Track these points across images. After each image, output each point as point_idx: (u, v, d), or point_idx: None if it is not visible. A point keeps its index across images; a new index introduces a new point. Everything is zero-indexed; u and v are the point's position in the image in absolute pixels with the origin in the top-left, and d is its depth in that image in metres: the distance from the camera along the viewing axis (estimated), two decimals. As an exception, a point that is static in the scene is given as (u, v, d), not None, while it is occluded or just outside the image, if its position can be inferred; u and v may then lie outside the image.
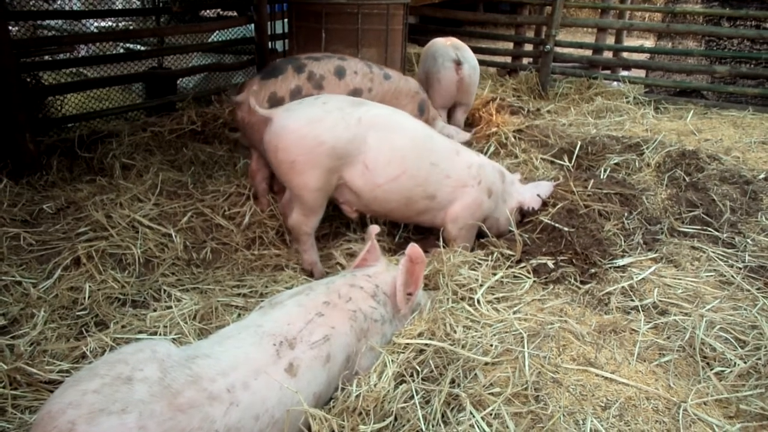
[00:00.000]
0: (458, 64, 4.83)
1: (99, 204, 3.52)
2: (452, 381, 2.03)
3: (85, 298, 2.79)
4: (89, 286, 2.85)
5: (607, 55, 8.33)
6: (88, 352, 2.41)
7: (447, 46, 4.98)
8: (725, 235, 3.31)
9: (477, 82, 5.14)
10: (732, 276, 2.91)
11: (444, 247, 3.12)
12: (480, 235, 3.34)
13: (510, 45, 8.60)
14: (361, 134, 2.86)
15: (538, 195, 3.39)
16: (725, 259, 3.10)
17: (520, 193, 3.41)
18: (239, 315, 2.70)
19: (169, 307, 2.74)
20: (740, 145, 5.01)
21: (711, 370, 2.22)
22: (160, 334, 2.53)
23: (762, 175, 4.15)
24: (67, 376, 2.18)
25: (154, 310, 2.75)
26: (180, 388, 1.60)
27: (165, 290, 2.92)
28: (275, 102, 3.34)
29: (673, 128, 5.56)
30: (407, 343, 2.18)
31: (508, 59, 8.35)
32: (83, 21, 6.31)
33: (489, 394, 1.97)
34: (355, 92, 3.62)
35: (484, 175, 3.21)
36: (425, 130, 3.13)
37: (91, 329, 2.61)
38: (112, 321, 2.64)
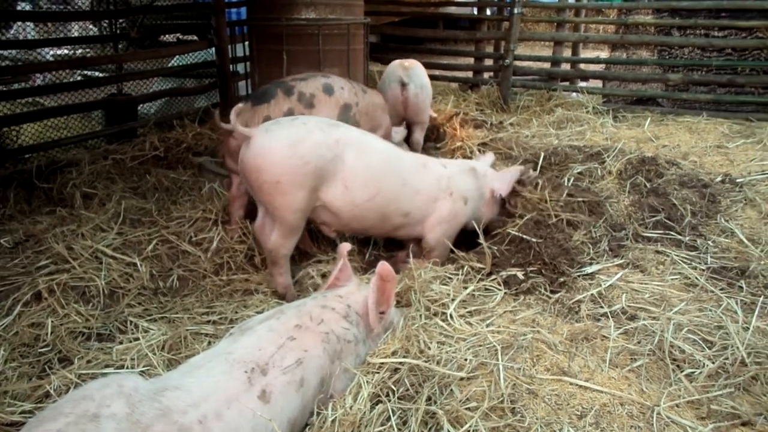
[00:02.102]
0: (403, 85, 4.90)
1: (60, 236, 3.42)
2: (428, 398, 2.01)
3: (47, 334, 2.69)
4: (51, 322, 2.75)
5: (565, 67, 8.52)
6: (51, 391, 2.32)
7: (396, 67, 5.07)
8: (687, 238, 3.39)
9: (425, 101, 5.14)
10: (696, 278, 2.98)
11: (414, 262, 3.12)
12: (451, 249, 3.35)
13: (471, 60, 8.73)
14: (340, 155, 2.89)
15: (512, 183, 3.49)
16: (689, 261, 3.16)
17: (492, 182, 3.50)
18: (209, 343, 2.65)
19: (136, 339, 2.67)
20: (696, 150, 5.16)
21: (681, 372, 2.26)
22: (127, 368, 2.46)
23: (719, 178, 4.27)
24: (30, 417, 2.09)
25: (121, 343, 2.67)
26: (149, 423, 1.55)
27: (131, 321, 2.84)
28: None
29: (632, 136, 5.70)
30: (382, 363, 2.16)
31: (470, 74, 8.49)
32: (39, 49, 6.19)
33: (466, 409, 1.96)
34: (346, 107, 3.67)
35: (455, 185, 3.28)
36: (394, 150, 3.19)
37: (54, 366, 2.52)
38: (77, 356, 2.55)
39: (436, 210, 3.22)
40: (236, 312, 2.96)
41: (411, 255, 3.19)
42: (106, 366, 2.49)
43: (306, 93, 3.51)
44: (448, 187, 3.23)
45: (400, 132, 4.55)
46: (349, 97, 3.72)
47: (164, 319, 2.90)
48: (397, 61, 5.22)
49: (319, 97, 3.55)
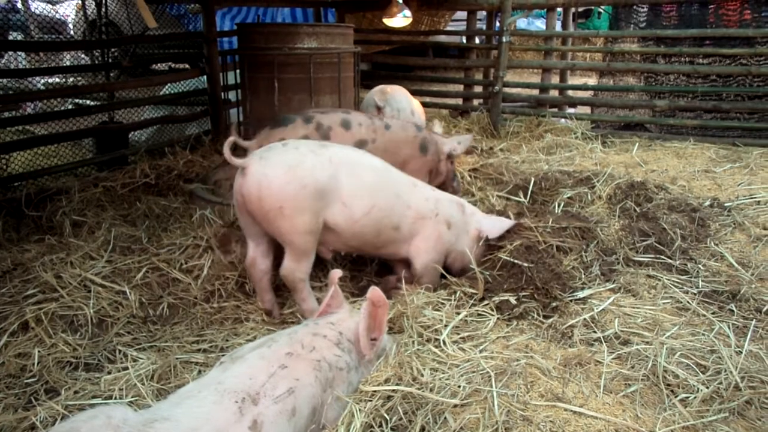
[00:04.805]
0: (378, 108, 5.02)
1: (48, 264, 3.39)
2: (422, 428, 1.99)
3: (34, 364, 2.65)
4: (38, 351, 2.71)
5: (554, 93, 8.64)
6: (38, 423, 2.27)
7: (375, 92, 5.18)
8: (678, 262, 3.40)
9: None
10: (688, 302, 2.98)
11: (406, 288, 3.10)
12: (442, 274, 3.34)
13: (460, 87, 8.84)
14: (335, 173, 2.91)
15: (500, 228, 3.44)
16: (680, 285, 3.17)
17: (479, 221, 3.47)
18: (200, 372, 2.61)
19: (125, 369, 2.63)
20: (684, 174, 5.22)
21: (675, 397, 2.24)
22: (115, 398, 2.41)
23: (707, 203, 4.31)
24: (14, 451, 2.05)
25: (109, 373, 2.63)
26: (137, 455, 1.52)
27: (120, 350, 2.80)
28: None
29: (620, 161, 5.76)
30: (374, 390, 2.14)
31: (460, 101, 8.58)
32: (30, 78, 6.21)
33: (460, 437, 1.93)
34: (361, 143, 3.78)
35: (442, 207, 3.30)
36: (383, 164, 3.24)
37: (41, 397, 2.47)
38: (64, 387, 2.51)
39: (421, 229, 3.23)
40: (227, 340, 2.93)
41: (403, 281, 3.17)
42: (94, 397, 2.44)
43: (324, 124, 3.65)
44: (435, 208, 3.26)
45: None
46: (366, 133, 3.82)
47: (154, 348, 2.86)
48: (378, 87, 5.32)
49: (336, 131, 3.69)
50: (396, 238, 3.20)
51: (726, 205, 4.29)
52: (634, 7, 7.31)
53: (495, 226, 3.43)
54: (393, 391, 2.13)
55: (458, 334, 2.66)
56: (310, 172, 2.82)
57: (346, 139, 3.70)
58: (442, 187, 4.28)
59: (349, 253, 3.44)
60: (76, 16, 9.42)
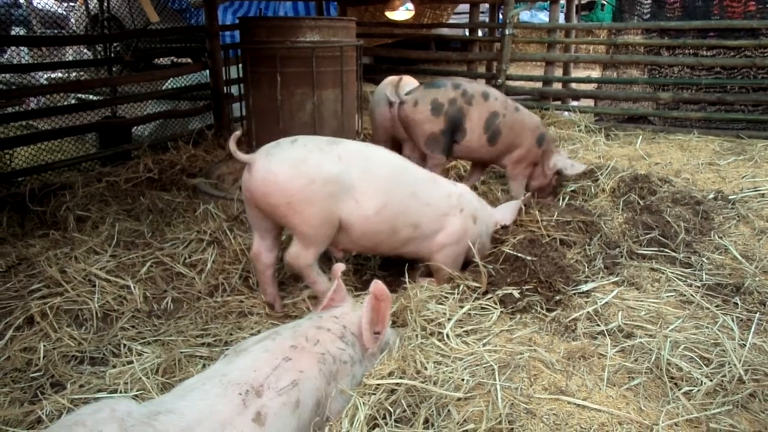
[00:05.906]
0: (390, 104, 4.92)
1: (53, 259, 3.40)
2: (426, 421, 1.99)
3: (39, 358, 2.66)
4: (44, 346, 2.73)
5: (557, 86, 8.61)
6: (44, 416, 2.29)
7: (386, 86, 5.11)
8: (681, 255, 3.39)
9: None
10: (691, 295, 2.98)
11: (409, 282, 3.10)
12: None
13: (463, 80, 8.80)
14: (345, 170, 2.87)
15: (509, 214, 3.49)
16: (684, 278, 3.17)
17: (492, 214, 3.48)
18: (204, 366, 2.62)
19: (130, 362, 2.64)
20: (688, 167, 5.20)
21: (679, 390, 2.24)
22: (120, 392, 2.43)
23: (711, 195, 4.31)
24: (21, 444, 2.06)
25: (114, 367, 2.64)
26: (142, 448, 1.52)
27: (125, 345, 2.81)
28: (436, 106, 4.06)
29: (624, 154, 5.75)
30: (378, 384, 2.14)
31: (463, 94, 8.55)
32: (33, 73, 6.22)
33: (463, 431, 1.94)
34: (494, 114, 4.17)
35: (466, 202, 3.25)
36: (400, 161, 3.17)
37: (46, 391, 2.49)
38: (69, 381, 2.53)
39: (446, 226, 3.15)
40: (231, 334, 2.93)
41: (407, 274, 3.16)
42: (99, 390, 2.46)
43: (469, 92, 4.10)
44: (458, 204, 3.19)
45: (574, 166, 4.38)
46: (500, 107, 4.19)
47: (158, 342, 2.87)
48: (388, 79, 5.26)
49: (477, 98, 4.11)
50: (414, 236, 3.12)
51: (730, 197, 4.28)
52: (638, -2, 7.28)
53: (507, 213, 3.47)
54: (397, 384, 2.14)
55: (462, 327, 2.66)
56: (317, 168, 2.80)
57: (483, 109, 4.12)
58: (541, 192, 4.54)
59: (362, 253, 3.40)
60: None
